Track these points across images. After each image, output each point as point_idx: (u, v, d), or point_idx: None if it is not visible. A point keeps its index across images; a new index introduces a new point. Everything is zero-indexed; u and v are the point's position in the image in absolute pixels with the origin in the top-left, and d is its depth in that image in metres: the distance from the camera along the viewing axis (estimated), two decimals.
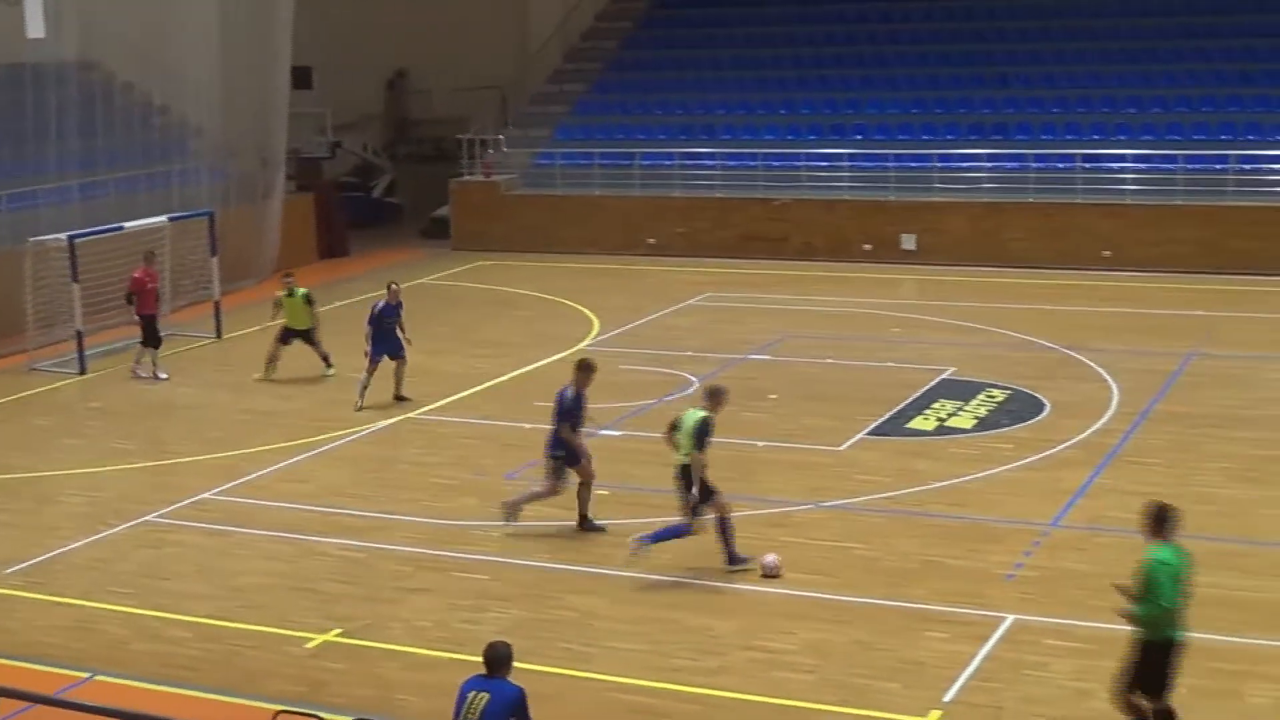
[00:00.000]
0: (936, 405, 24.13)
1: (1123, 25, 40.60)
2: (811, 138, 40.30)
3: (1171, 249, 35.09)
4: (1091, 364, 26.45)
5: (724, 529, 17.40)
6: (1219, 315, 30.59)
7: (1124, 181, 37.03)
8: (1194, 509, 18.75)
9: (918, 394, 24.78)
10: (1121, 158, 37.35)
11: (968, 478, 20.58)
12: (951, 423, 23.23)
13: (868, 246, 37.56)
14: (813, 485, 20.41)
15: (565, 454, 18.76)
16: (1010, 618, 15.93)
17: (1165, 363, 26.32)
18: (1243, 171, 36.00)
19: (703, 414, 17.34)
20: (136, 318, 27.73)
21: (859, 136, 39.91)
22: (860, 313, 31.78)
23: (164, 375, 27.67)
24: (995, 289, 33.90)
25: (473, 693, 11.36)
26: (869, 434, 22.81)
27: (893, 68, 41.59)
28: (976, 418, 23.43)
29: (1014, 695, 14.22)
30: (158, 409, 26.01)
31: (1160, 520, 12.75)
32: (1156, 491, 18.94)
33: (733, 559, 17.43)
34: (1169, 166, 36.52)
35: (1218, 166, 36.06)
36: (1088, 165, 37.28)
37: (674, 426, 17.58)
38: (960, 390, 24.95)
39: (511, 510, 18.94)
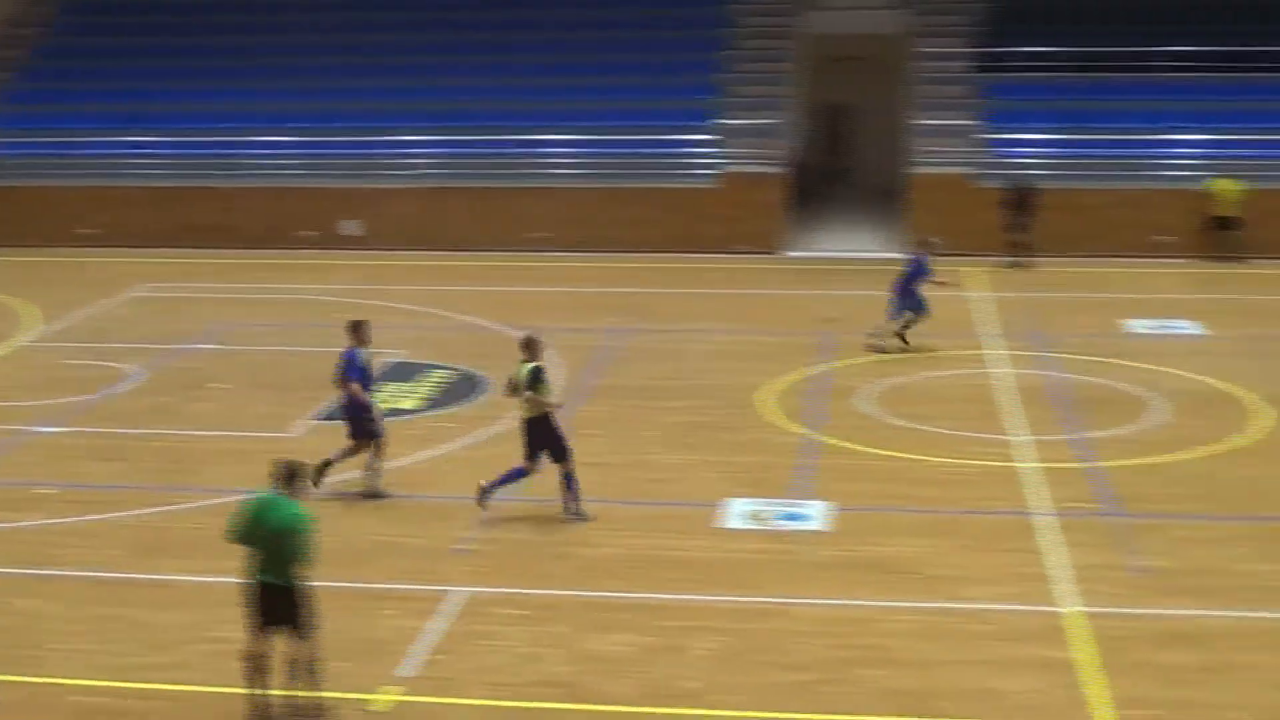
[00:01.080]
0: (384, 388, 24.04)
1: (557, 16, 41.38)
2: (256, 125, 39.51)
3: (607, 230, 36.17)
4: None
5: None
6: (650, 292, 31.72)
7: (558, 166, 37.97)
8: (634, 475, 19.61)
9: None
10: (558, 143, 38.27)
11: (417, 457, 20.62)
12: (400, 405, 23.22)
13: (312, 233, 37.19)
14: (263, 473, 19.94)
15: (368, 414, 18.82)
16: (463, 590, 16.05)
17: (603, 338, 27.10)
18: (664, 155, 37.47)
19: (531, 365, 17.77)
20: None
21: (304, 124, 39.39)
22: (307, 299, 31.42)
23: None
24: (440, 272, 34.15)
25: None
26: (318, 419, 22.57)
27: (338, 56, 41.06)
28: (423, 399, 23.53)
29: (468, 665, 14.31)
30: None
31: (288, 476, 13.27)
32: (601, 461, 19.62)
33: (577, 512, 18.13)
34: (603, 151, 37.65)
35: (643, 151, 37.40)
36: (526, 151, 38.02)
37: (514, 386, 17.94)
38: (406, 372, 25.00)
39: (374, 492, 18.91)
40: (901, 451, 20.77)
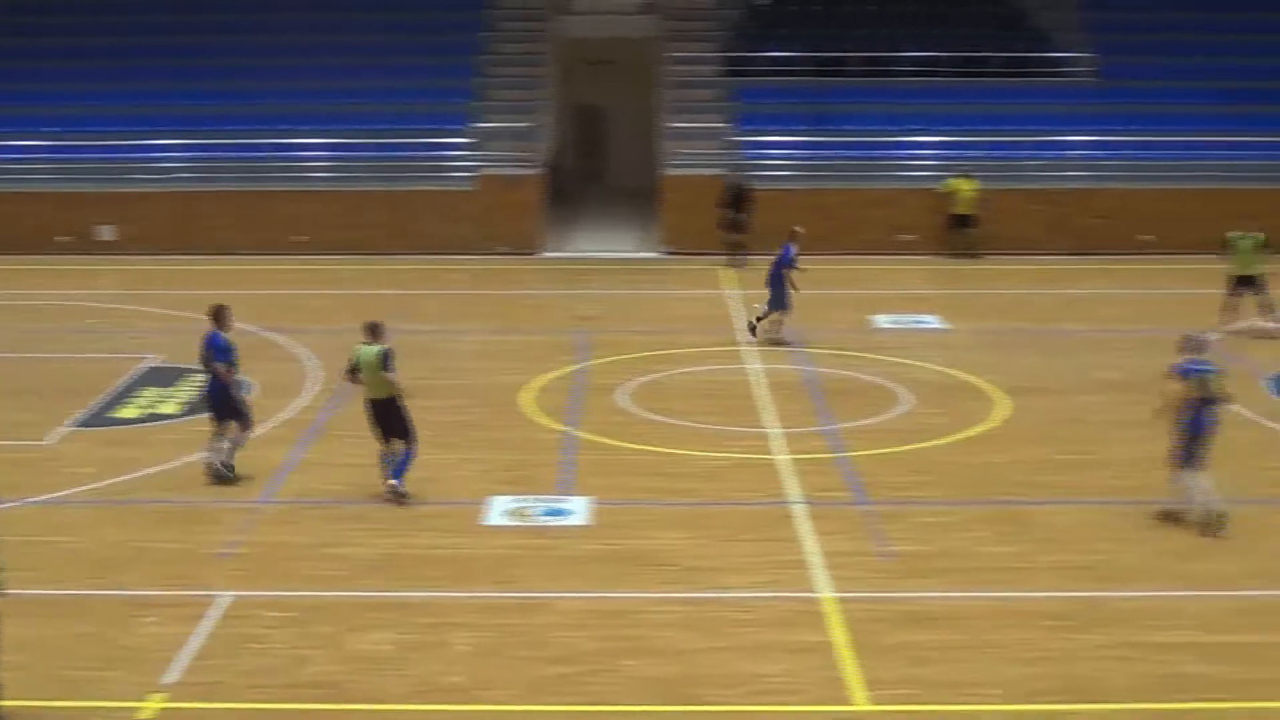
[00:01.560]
0: (143, 393, 23.56)
1: (313, 19, 40.75)
2: (6, 130, 38.17)
3: (363, 232, 35.82)
4: (293, 345, 26.59)
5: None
6: (412, 293, 31.45)
7: (315, 169, 37.46)
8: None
9: (122, 383, 24.10)
10: (317, 146, 37.76)
11: (178, 462, 20.17)
12: (159, 409, 22.74)
13: (66, 238, 36.12)
14: (16, 482, 19.39)
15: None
16: (226, 595, 15.75)
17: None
18: (422, 158, 37.24)
19: (379, 347, 18.46)
20: None
21: (54, 129, 38.22)
22: (61, 305, 30.54)
23: None
24: (199, 277, 33.37)
25: None
26: (74, 426, 21.96)
27: (89, 60, 39.87)
28: (183, 403, 23.03)
29: (235, 670, 14.05)
30: None
31: None
32: (363, 461, 19.41)
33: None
34: (361, 155, 37.24)
35: (402, 154, 37.07)
36: (280, 154, 37.42)
37: (355, 369, 18.64)
38: (165, 377, 24.45)
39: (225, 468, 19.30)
40: (660, 446, 20.96)
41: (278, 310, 29.47)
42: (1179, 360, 17.48)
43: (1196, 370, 17.37)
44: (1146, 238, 35.65)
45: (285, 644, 14.63)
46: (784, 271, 26.66)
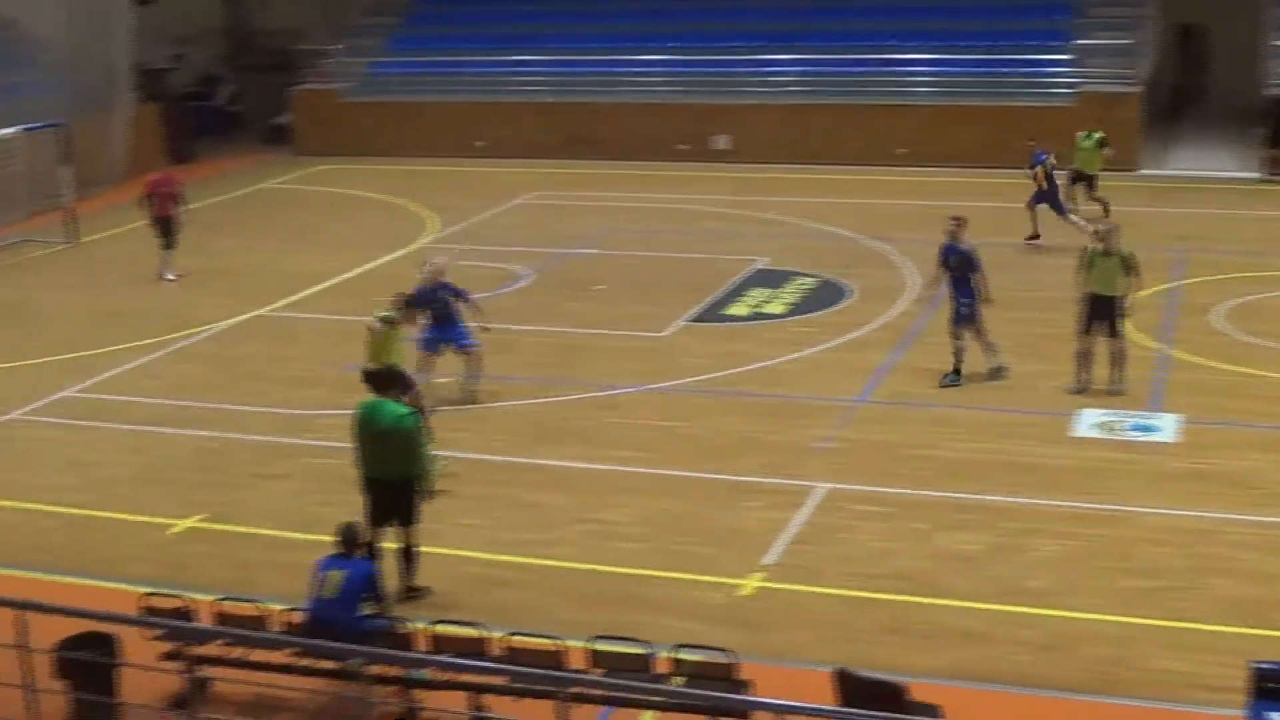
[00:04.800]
0: (751, 293, 24.29)
1: None
2: (630, 45, 40.01)
3: (959, 146, 35.48)
4: (890, 253, 26.76)
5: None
6: (1003, 206, 30.93)
7: (917, 84, 37.35)
8: (984, 385, 19.30)
9: (733, 283, 24.91)
10: (916, 62, 37.67)
11: (781, 359, 20.75)
12: (765, 309, 23.39)
13: (684, 146, 37.50)
14: (638, 369, 20.45)
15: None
16: (822, 486, 16.15)
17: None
18: (1026, 75, 36.51)
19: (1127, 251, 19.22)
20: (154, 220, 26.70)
21: (675, 44, 39.71)
22: (678, 208, 31.78)
23: (171, 277, 26.59)
24: (802, 184, 34.04)
25: (329, 570, 11.32)
26: (689, 320, 22.90)
27: None
28: (788, 304, 23.63)
29: (827, 555, 14.45)
30: (11, 313, 25.17)
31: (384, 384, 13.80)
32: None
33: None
34: (960, 70, 36.90)
35: (1002, 70, 36.48)
36: (883, 69, 37.52)
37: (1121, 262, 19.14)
38: (772, 279, 25.12)
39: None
40: (1255, 368, 19.93)
41: (878, 219, 29.71)
42: None
43: None
44: None
45: (874, 536, 14.90)
46: None
